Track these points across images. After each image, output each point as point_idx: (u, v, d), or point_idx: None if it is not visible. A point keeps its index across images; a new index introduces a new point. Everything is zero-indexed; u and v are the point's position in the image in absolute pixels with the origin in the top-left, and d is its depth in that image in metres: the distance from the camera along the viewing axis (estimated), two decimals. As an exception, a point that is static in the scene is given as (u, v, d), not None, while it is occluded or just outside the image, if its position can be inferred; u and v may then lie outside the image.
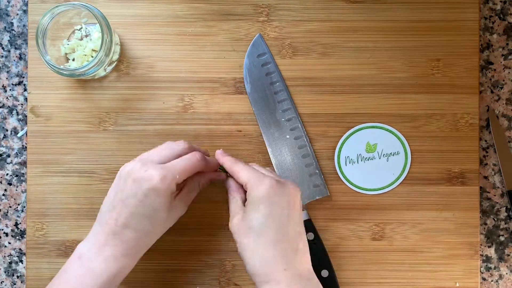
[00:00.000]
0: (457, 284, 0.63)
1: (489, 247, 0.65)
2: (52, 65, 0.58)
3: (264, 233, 0.51)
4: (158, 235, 0.55)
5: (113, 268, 0.52)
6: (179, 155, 0.55)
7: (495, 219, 0.65)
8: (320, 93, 0.63)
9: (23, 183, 0.66)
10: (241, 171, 0.54)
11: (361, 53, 0.63)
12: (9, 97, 0.66)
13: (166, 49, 0.64)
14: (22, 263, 0.66)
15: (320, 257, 0.60)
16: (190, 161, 0.54)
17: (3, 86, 0.66)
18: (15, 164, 0.66)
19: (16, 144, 0.66)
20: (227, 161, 0.56)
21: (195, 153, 0.55)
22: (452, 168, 0.63)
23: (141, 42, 0.64)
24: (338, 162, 0.63)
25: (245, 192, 0.55)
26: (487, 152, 0.66)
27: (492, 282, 0.65)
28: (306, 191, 0.62)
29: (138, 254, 0.54)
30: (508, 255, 0.65)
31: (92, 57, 0.62)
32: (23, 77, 0.66)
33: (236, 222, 0.53)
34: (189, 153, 0.55)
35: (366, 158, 0.63)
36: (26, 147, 0.65)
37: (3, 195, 0.66)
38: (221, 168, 0.58)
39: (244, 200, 0.55)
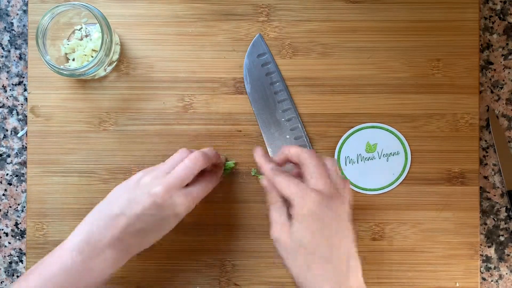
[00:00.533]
0: (457, 284, 0.63)
1: (489, 247, 0.65)
2: (52, 65, 0.58)
3: (313, 251, 0.48)
4: (159, 239, 0.55)
5: (112, 269, 0.52)
6: (198, 171, 0.54)
7: (495, 219, 0.65)
8: (320, 93, 0.63)
9: (23, 183, 0.66)
10: (284, 187, 0.50)
11: (361, 53, 0.63)
12: (9, 97, 0.66)
13: (166, 49, 0.64)
14: (22, 263, 0.66)
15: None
16: (210, 187, 0.56)
17: (3, 86, 0.66)
18: (15, 164, 0.66)
19: (16, 144, 0.66)
20: (268, 173, 0.52)
21: (213, 176, 0.57)
22: (452, 168, 0.63)
23: (141, 42, 0.64)
24: (338, 162, 0.63)
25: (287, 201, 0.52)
26: (487, 152, 0.66)
27: (492, 282, 0.65)
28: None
29: (133, 255, 0.54)
30: (508, 255, 0.65)
31: (92, 57, 0.62)
32: (23, 77, 0.66)
33: (281, 234, 0.50)
34: (208, 178, 0.56)
35: (366, 158, 0.63)
36: (26, 147, 0.65)
37: (3, 195, 0.66)
38: (256, 172, 0.57)
39: (287, 210, 0.52)
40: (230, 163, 0.62)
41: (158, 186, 0.51)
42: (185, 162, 0.53)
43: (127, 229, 0.51)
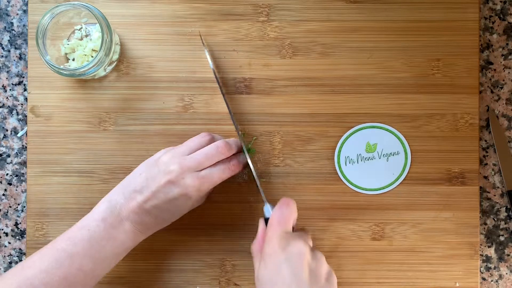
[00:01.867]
0: (457, 284, 0.63)
1: (489, 247, 0.65)
2: (52, 65, 0.58)
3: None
4: (172, 221, 0.58)
5: (130, 242, 0.55)
6: (217, 160, 0.56)
7: (495, 219, 0.65)
8: (320, 93, 0.63)
9: (23, 183, 0.66)
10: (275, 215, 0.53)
11: (360, 53, 0.63)
12: (9, 97, 0.66)
13: (166, 49, 0.64)
14: (22, 263, 0.66)
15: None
16: (226, 175, 0.56)
17: (3, 86, 0.66)
18: (15, 164, 0.66)
19: (16, 144, 0.66)
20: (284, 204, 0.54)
21: (232, 164, 0.57)
22: (452, 168, 0.63)
23: (141, 42, 0.64)
24: (338, 162, 0.63)
25: None
26: (487, 152, 0.66)
27: (492, 282, 0.65)
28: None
29: (150, 234, 0.57)
30: (508, 255, 0.65)
31: (92, 57, 0.62)
32: (23, 77, 0.66)
33: (256, 253, 0.54)
34: (226, 164, 0.56)
35: (366, 158, 0.63)
36: (26, 147, 0.65)
37: (3, 195, 0.66)
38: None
39: None
40: (252, 149, 0.63)
41: (175, 165, 0.54)
42: (207, 149, 0.56)
43: (143, 205, 0.54)
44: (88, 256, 0.53)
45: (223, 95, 0.61)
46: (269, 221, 0.53)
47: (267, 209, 0.56)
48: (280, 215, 0.53)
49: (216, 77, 0.61)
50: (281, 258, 0.50)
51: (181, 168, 0.54)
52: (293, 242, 0.51)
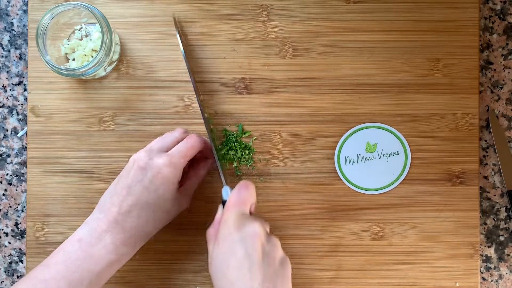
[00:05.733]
0: (457, 284, 0.63)
1: (489, 247, 0.65)
2: (52, 65, 0.58)
3: (225, 271, 0.50)
4: (158, 226, 0.56)
5: (112, 256, 0.53)
6: (178, 141, 0.57)
7: (495, 219, 0.65)
8: (320, 93, 0.63)
9: (23, 183, 0.66)
10: (233, 196, 0.53)
11: (360, 53, 0.63)
12: (9, 97, 0.66)
13: (166, 49, 0.64)
14: (22, 263, 0.66)
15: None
16: (189, 144, 0.56)
17: (3, 86, 0.66)
18: (15, 164, 0.66)
19: (16, 144, 0.66)
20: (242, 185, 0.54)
21: (192, 135, 0.57)
22: (452, 168, 0.63)
23: (141, 42, 0.64)
24: (338, 162, 0.63)
25: None
26: (487, 152, 0.66)
27: (492, 282, 0.65)
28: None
29: (137, 244, 0.55)
30: (508, 255, 0.65)
31: (92, 57, 0.62)
32: (23, 77, 0.66)
33: (211, 236, 0.53)
34: (187, 137, 0.57)
35: (366, 158, 0.63)
36: (26, 147, 0.65)
37: (3, 195, 0.66)
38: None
39: None
40: (252, 148, 0.63)
41: (140, 153, 0.55)
42: (165, 134, 0.58)
43: (121, 207, 0.53)
44: (64, 278, 0.51)
45: (191, 77, 0.61)
46: (226, 203, 0.53)
47: (226, 191, 0.55)
48: (237, 197, 0.52)
49: (186, 63, 0.61)
50: (235, 238, 0.49)
51: (146, 152, 0.55)
52: (249, 223, 0.50)
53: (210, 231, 0.53)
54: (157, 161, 0.54)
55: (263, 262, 0.49)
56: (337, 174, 0.63)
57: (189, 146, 0.56)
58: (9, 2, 0.66)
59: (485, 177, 0.65)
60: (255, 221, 0.51)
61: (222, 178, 0.57)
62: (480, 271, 0.65)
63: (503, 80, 0.65)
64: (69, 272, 0.51)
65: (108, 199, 0.54)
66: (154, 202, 0.54)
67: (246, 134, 0.63)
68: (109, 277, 0.54)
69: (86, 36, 0.63)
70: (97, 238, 0.52)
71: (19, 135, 0.66)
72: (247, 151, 0.63)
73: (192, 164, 0.60)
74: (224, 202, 0.55)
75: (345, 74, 0.63)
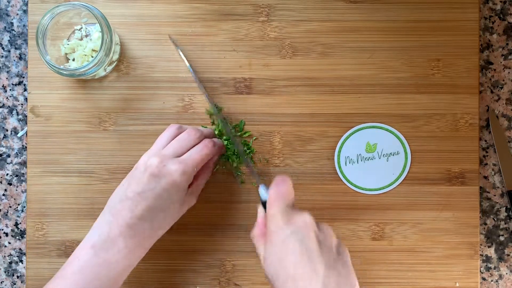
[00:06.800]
0: (457, 284, 0.63)
1: (489, 247, 0.65)
2: (52, 65, 0.58)
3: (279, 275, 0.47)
4: (168, 227, 0.56)
5: (127, 260, 0.52)
6: (192, 146, 0.56)
7: (495, 219, 0.65)
8: (320, 93, 0.63)
9: (23, 183, 0.66)
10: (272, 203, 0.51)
11: (361, 53, 0.63)
12: (9, 97, 0.66)
13: (166, 49, 0.64)
14: (22, 263, 0.66)
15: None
16: (204, 153, 0.56)
17: (3, 86, 0.66)
18: (15, 164, 0.66)
19: (16, 144, 0.66)
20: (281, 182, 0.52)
21: (207, 142, 0.57)
22: (452, 168, 0.63)
23: (141, 42, 0.64)
24: (338, 162, 0.63)
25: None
26: (487, 152, 0.66)
27: (492, 282, 0.65)
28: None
29: (149, 246, 0.55)
30: (508, 255, 0.65)
31: (92, 57, 0.62)
32: (23, 77, 0.66)
33: (258, 237, 0.52)
34: (201, 143, 0.56)
35: (366, 158, 0.63)
36: (26, 147, 0.65)
37: (3, 195, 0.66)
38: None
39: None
40: (252, 148, 0.63)
41: (152, 158, 0.54)
42: (179, 136, 0.56)
43: (134, 212, 0.52)
44: None
45: (203, 89, 0.61)
46: (268, 200, 0.50)
47: (263, 190, 0.54)
48: (278, 191, 0.50)
49: (193, 75, 0.62)
50: (287, 232, 0.47)
51: (159, 158, 0.53)
52: (297, 215, 0.49)
53: (255, 232, 0.52)
54: (171, 168, 0.53)
55: (322, 251, 0.47)
56: (337, 174, 0.63)
57: (204, 155, 0.55)
58: (9, 2, 0.66)
59: (485, 177, 0.65)
60: (303, 212, 0.49)
61: (257, 177, 0.57)
62: (480, 271, 0.65)
63: (503, 80, 0.65)
64: (87, 280, 0.51)
65: (118, 202, 0.53)
66: (166, 208, 0.54)
67: (246, 134, 0.63)
68: (123, 281, 0.54)
69: (86, 36, 0.63)
70: (110, 243, 0.52)
71: (19, 135, 0.66)
72: (247, 151, 0.63)
73: None
74: (263, 202, 0.54)
75: (345, 74, 0.63)
